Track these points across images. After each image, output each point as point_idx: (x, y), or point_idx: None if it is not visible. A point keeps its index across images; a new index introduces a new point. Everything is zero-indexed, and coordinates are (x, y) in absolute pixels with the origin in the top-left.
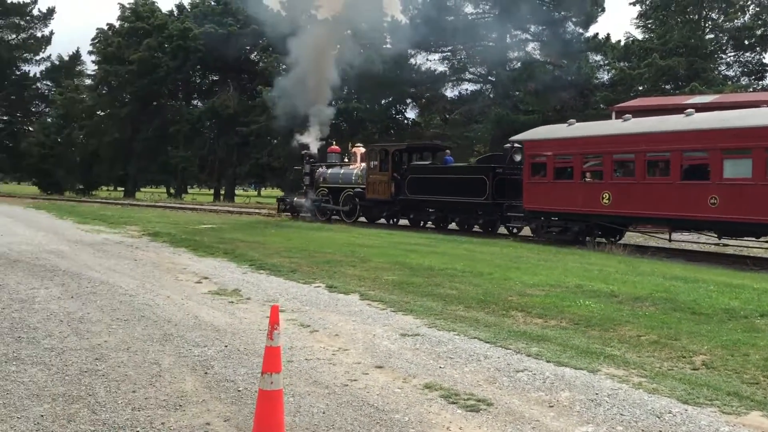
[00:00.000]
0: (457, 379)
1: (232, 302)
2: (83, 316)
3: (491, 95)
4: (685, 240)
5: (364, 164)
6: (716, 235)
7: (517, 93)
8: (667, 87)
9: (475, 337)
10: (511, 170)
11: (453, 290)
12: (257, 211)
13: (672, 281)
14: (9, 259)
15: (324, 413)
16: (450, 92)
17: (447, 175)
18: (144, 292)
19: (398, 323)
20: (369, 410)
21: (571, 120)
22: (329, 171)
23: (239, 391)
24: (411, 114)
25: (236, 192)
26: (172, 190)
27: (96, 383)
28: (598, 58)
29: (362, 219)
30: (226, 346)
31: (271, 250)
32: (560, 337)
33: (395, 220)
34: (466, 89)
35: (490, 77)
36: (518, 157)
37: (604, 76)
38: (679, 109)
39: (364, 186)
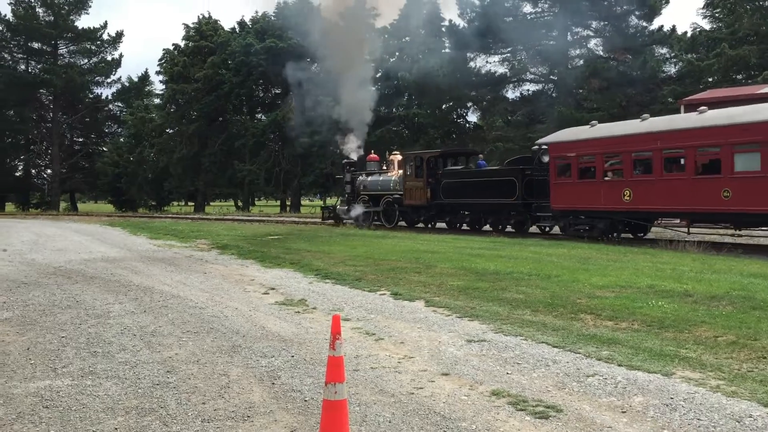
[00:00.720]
0: (525, 385)
1: (299, 312)
2: (155, 330)
3: (554, 94)
4: (761, 235)
5: (401, 171)
6: (732, 227)
7: (581, 91)
8: (738, 77)
9: (542, 342)
10: (539, 171)
11: (519, 294)
12: (320, 220)
13: (750, 279)
14: (86, 276)
15: (390, 422)
16: (511, 93)
17: (479, 178)
18: (213, 305)
19: (464, 329)
20: (435, 419)
21: (593, 122)
22: (369, 179)
23: (306, 401)
24: (472, 117)
25: (302, 202)
26: (239, 203)
27: (167, 396)
28: (664, 51)
29: (402, 224)
30: (292, 356)
31: (336, 259)
32: (632, 340)
33: (432, 223)
34: (528, 90)
35: (551, 76)
36: (545, 159)
37: (671, 69)
38: (752, 100)
39: (401, 192)
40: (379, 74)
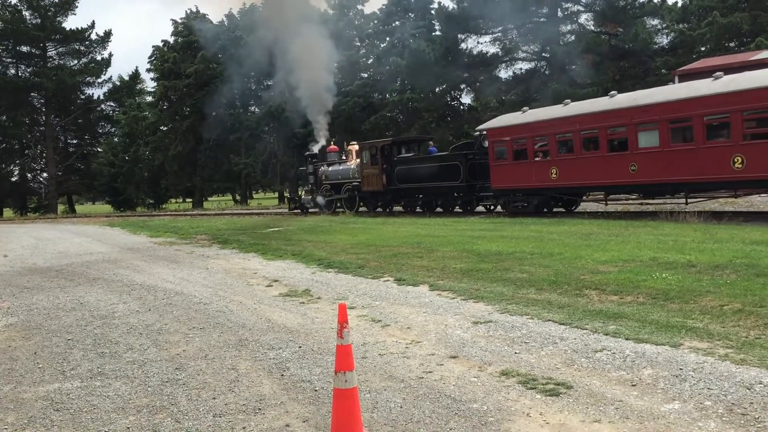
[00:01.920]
0: (534, 364)
1: (303, 303)
2: (161, 328)
3: (547, 72)
4: (762, 201)
5: (359, 160)
6: (640, 196)
7: (574, 67)
8: (731, 45)
9: (549, 320)
10: (480, 155)
11: (523, 273)
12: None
13: (753, 246)
14: (88, 278)
15: (401, 407)
16: (504, 73)
17: (428, 164)
18: (217, 300)
19: (470, 311)
20: (446, 401)
21: (525, 108)
22: (330, 169)
23: (316, 390)
24: (466, 99)
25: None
26: (237, 197)
27: (177, 392)
28: (655, 22)
29: (362, 209)
30: (300, 347)
31: (338, 248)
32: (638, 313)
33: (390, 208)
34: (521, 68)
35: (544, 54)
36: (486, 144)
37: (663, 41)
38: (745, 67)
39: (360, 180)
40: (371, 60)
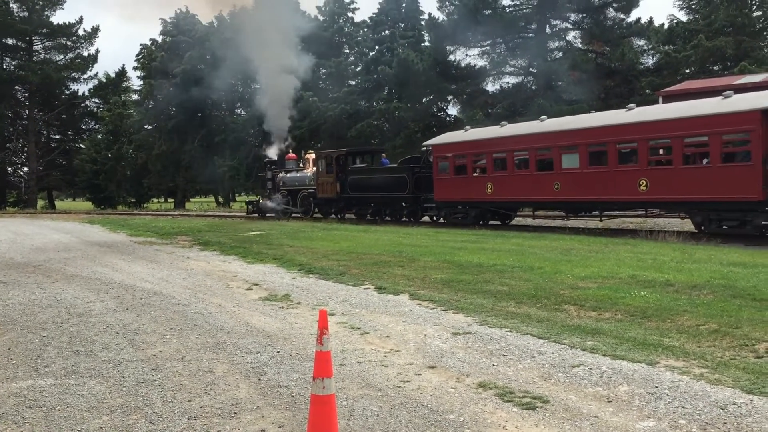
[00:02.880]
0: (512, 377)
1: (283, 308)
2: (138, 328)
3: (533, 87)
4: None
5: (315, 168)
6: (564, 213)
7: (560, 83)
8: (715, 68)
9: (527, 333)
10: (426, 169)
11: (503, 286)
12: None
13: (730, 267)
14: (66, 275)
15: (378, 416)
16: (491, 86)
17: (378, 175)
18: (196, 302)
19: (449, 322)
20: (423, 411)
21: (467, 127)
22: (288, 175)
23: (293, 396)
24: (453, 111)
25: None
26: (220, 199)
27: (152, 394)
28: (642, 42)
29: (317, 215)
30: (278, 352)
31: (319, 254)
32: (616, 330)
33: (342, 214)
34: (508, 82)
35: (531, 69)
36: (431, 158)
37: (649, 61)
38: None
39: (315, 187)
40: (359, 68)
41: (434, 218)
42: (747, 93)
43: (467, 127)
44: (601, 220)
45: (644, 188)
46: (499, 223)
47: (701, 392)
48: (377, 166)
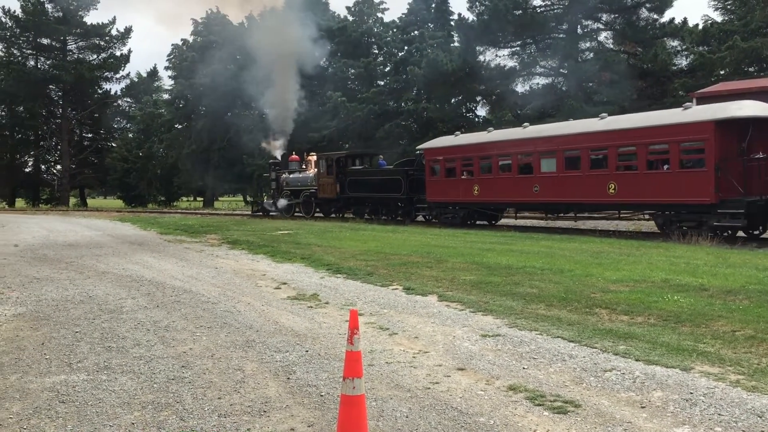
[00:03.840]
0: (542, 380)
1: (311, 307)
2: (168, 325)
3: (564, 88)
4: None
5: (316, 169)
6: (543, 214)
7: (591, 84)
8: (751, 69)
9: (558, 337)
10: (419, 172)
11: (533, 289)
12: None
13: (766, 272)
14: (98, 271)
15: (407, 417)
16: (521, 87)
17: (375, 176)
18: (225, 300)
19: (478, 324)
20: (452, 413)
21: (457, 132)
22: (291, 176)
23: (322, 396)
24: (482, 112)
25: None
26: (249, 197)
27: (183, 390)
28: (675, 43)
29: (318, 214)
30: (306, 351)
31: (347, 254)
32: (648, 335)
33: (342, 213)
34: (538, 83)
35: (561, 70)
36: (424, 161)
37: (683, 62)
38: (764, 92)
39: (317, 187)
40: (388, 68)
41: (427, 218)
42: (705, 105)
43: (457, 132)
44: (575, 221)
45: (613, 191)
46: (486, 223)
47: (737, 399)
48: (375, 168)
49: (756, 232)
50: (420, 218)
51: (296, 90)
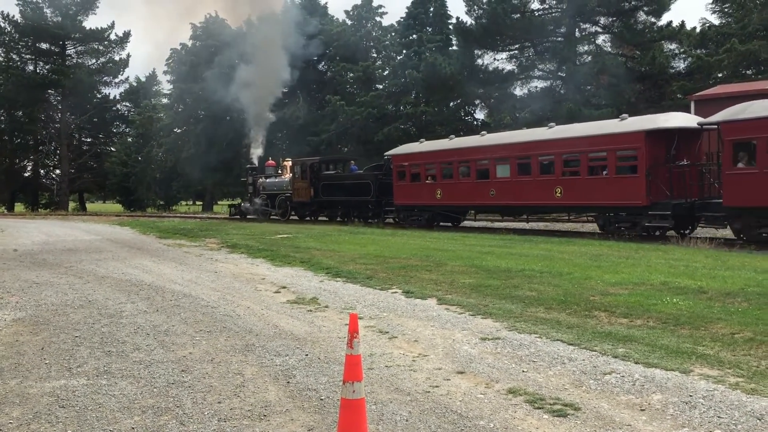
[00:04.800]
0: (542, 383)
1: (311, 311)
2: (168, 329)
3: (562, 91)
4: None
5: (292, 174)
6: (500, 216)
7: (589, 87)
8: (748, 72)
9: (557, 339)
10: (389, 176)
11: (532, 292)
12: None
13: (765, 275)
14: (97, 276)
15: (407, 421)
16: (519, 91)
17: (347, 181)
18: (225, 304)
19: (477, 327)
20: (452, 417)
21: (422, 139)
22: (267, 180)
23: (322, 399)
24: (480, 115)
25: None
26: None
27: (183, 395)
28: (673, 46)
29: (293, 217)
30: (306, 355)
31: (347, 258)
32: (648, 337)
33: (316, 216)
34: (536, 87)
35: (560, 73)
36: (392, 166)
37: (680, 65)
38: (762, 95)
39: (292, 191)
40: (387, 72)
41: (395, 219)
42: (640, 116)
43: (422, 139)
44: (527, 222)
45: (559, 195)
46: (450, 225)
47: (737, 402)
48: (346, 173)
49: (686, 232)
50: (389, 220)
51: (274, 96)
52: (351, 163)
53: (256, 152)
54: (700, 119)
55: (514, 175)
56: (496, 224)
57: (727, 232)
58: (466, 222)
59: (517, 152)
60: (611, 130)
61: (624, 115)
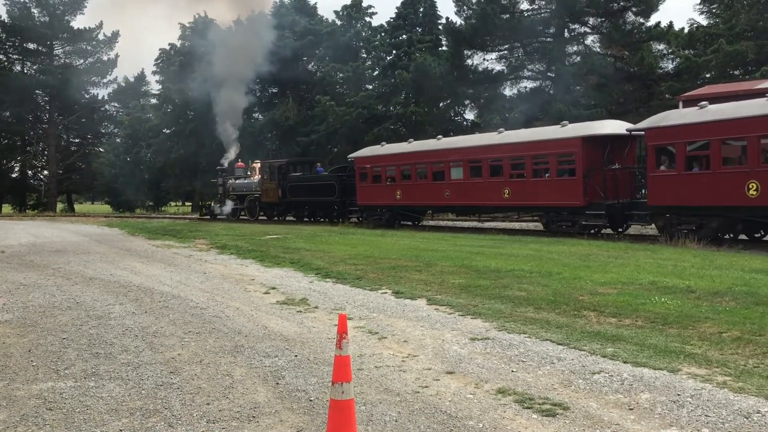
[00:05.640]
0: (531, 383)
1: (300, 311)
2: (157, 331)
3: (551, 91)
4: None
5: (260, 176)
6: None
7: (578, 88)
8: (736, 73)
9: (546, 339)
10: (352, 178)
11: (521, 292)
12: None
13: (752, 274)
14: (85, 277)
15: (396, 421)
16: (509, 91)
17: (312, 182)
18: (214, 305)
19: (467, 327)
20: (442, 417)
21: (383, 143)
22: (237, 182)
23: (311, 401)
24: (470, 115)
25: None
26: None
27: (171, 396)
28: (662, 47)
29: (262, 217)
30: (296, 356)
31: (337, 258)
32: (636, 337)
33: (283, 216)
34: (525, 87)
35: (549, 73)
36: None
37: (669, 66)
38: (750, 95)
39: (260, 192)
40: (376, 72)
41: (359, 219)
42: (578, 123)
43: (383, 143)
44: (480, 222)
45: (507, 196)
46: (410, 223)
47: (724, 400)
48: (312, 175)
49: (620, 230)
50: (354, 219)
51: (244, 101)
52: (317, 165)
53: (228, 156)
54: (630, 126)
55: (467, 177)
56: (449, 223)
57: (652, 229)
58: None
59: (470, 156)
60: (552, 136)
61: (564, 122)
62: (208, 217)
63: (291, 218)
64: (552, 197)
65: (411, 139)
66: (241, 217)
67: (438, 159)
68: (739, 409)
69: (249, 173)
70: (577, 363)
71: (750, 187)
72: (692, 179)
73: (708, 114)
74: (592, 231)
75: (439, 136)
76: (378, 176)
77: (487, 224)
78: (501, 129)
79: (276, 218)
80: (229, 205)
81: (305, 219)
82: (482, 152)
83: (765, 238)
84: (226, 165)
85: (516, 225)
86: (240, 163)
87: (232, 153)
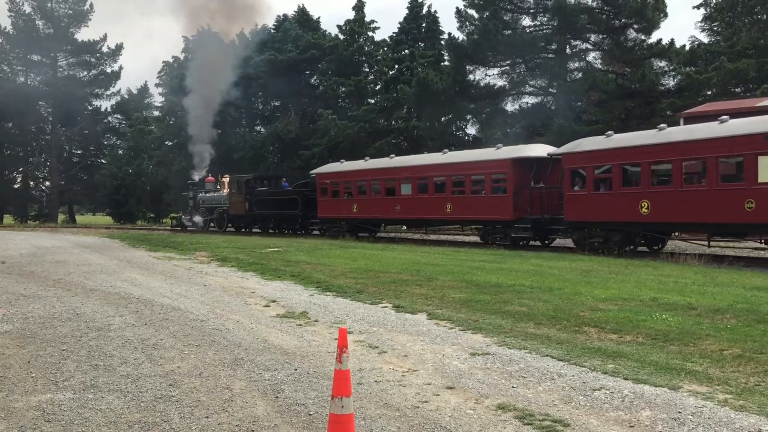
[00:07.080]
0: (531, 399)
1: (300, 325)
2: (156, 343)
3: (552, 107)
4: (762, 248)
5: (229, 189)
6: (405, 227)
7: (579, 104)
8: (737, 90)
9: (547, 355)
10: (313, 192)
11: (522, 307)
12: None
13: (753, 291)
14: (85, 288)
15: None
16: (510, 106)
17: (277, 196)
18: (214, 317)
19: (467, 342)
20: None
21: (342, 160)
22: (207, 195)
23: (310, 414)
24: (471, 130)
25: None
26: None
27: (170, 409)
28: (663, 64)
29: (230, 229)
30: (295, 370)
31: (337, 272)
32: (637, 353)
33: (250, 228)
34: (527, 102)
35: (550, 89)
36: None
37: (670, 82)
38: (750, 113)
39: (229, 205)
40: (378, 86)
41: (321, 231)
42: (510, 146)
43: (342, 160)
44: (425, 233)
45: (449, 210)
46: (367, 234)
47: (726, 418)
48: (278, 189)
49: (547, 242)
50: (316, 231)
51: (213, 115)
52: (283, 180)
53: (199, 172)
54: (552, 150)
55: (414, 192)
56: (401, 235)
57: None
58: (384, 234)
59: (418, 174)
60: (488, 157)
61: (499, 144)
62: (179, 228)
63: (257, 230)
64: (487, 212)
65: (367, 157)
66: (210, 228)
67: (390, 176)
68: (740, 427)
69: (218, 187)
70: (578, 379)
71: (642, 205)
72: (599, 198)
73: (612, 142)
74: (521, 243)
75: (392, 155)
76: (337, 191)
77: (432, 236)
78: (445, 150)
79: (244, 230)
80: (199, 217)
81: (270, 231)
82: (428, 170)
83: (663, 250)
84: (197, 179)
85: (458, 237)
86: (210, 177)
87: (204, 172)
